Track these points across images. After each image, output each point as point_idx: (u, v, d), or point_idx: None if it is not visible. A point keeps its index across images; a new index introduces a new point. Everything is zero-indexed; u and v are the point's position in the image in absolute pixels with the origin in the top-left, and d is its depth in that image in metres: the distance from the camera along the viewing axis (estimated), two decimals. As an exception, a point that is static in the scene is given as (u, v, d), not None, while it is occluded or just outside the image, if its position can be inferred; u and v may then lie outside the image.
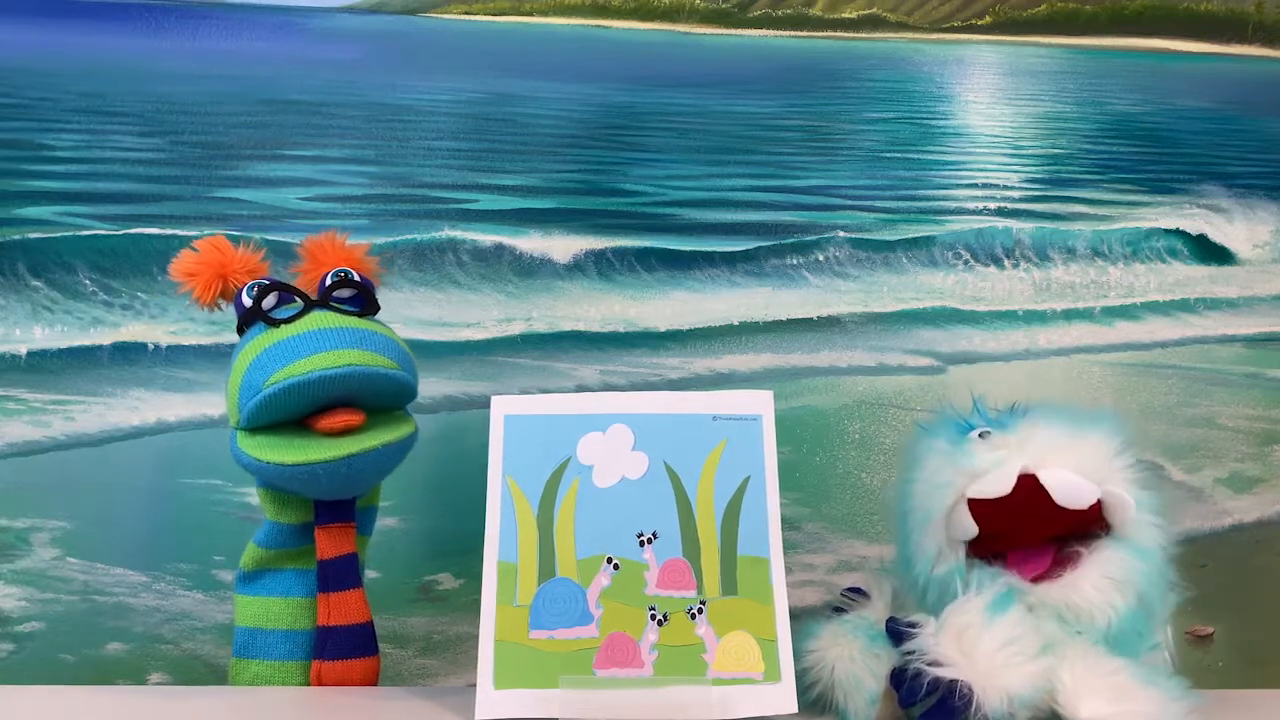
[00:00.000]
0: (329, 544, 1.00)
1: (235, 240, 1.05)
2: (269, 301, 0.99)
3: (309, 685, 1.01)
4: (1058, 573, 0.88)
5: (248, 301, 0.99)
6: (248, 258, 1.03)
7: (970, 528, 0.88)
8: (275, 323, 0.98)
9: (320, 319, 0.98)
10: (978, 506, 0.88)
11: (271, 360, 0.95)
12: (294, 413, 0.96)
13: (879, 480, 1.37)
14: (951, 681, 0.82)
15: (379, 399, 0.99)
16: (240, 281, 1.01)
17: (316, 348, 0.95)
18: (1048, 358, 1.40)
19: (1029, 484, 0.87)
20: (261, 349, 0.96)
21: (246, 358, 0.97)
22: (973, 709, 0.81)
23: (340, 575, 1.01)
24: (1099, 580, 0.87)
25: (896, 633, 0.88)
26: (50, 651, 1.25)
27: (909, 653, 0.85)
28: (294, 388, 0.94)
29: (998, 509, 0.87)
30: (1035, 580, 0.88)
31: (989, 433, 0.91)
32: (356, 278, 1.02)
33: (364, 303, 1.02)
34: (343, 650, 1.00)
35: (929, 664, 0.83)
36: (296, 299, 1.00)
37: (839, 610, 0.99)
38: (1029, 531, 0.90)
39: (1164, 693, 0.83)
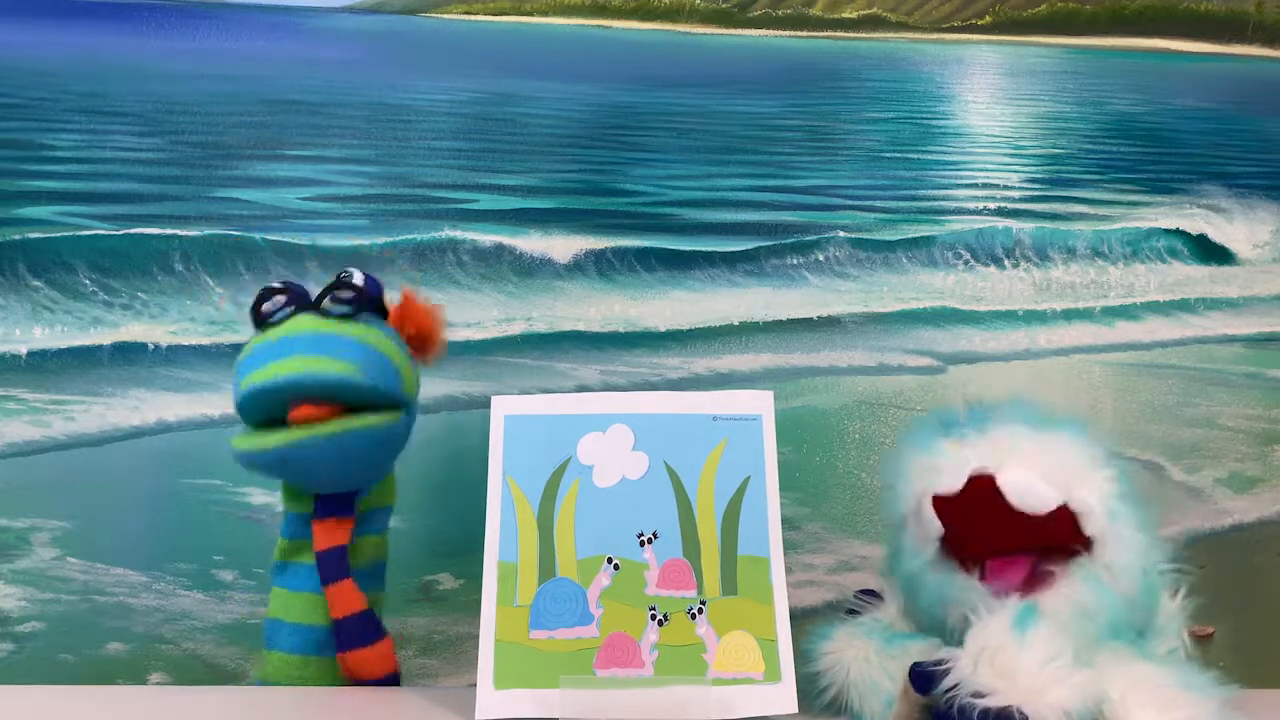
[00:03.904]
0: (323, 537, 1.01)
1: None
2: (276, 303, 1.01)
3: (322, 680, 1.02)
4: (1028, 591, 0.86)
5: (253, 302, 1.02)
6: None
7: (935, 526, 0.88)
8: (262, 325, 1.01)
9: (295, 324, 1.00)
10: (939, 504, 0.87)
11: (245, 366, 0.99)
12: (267, 413, 0.98)
13: (879, 480, 1.36)
14: (1002, 709, 0.79)
15: (340, 400, 0.98)
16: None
17: (274, 356, 0.98)
18: (1048, 358, 1.40)
19: (985, 483, 0.86)
20: (246, 353, 1.00)
21: (240, 359, 1.01)
22: None
23: (330, 567, 1.01)
24: (1060, 612, 0.85)
25: (926, 675, 0.84)
26: (50, 651, 1.25)
27: (948, 690, 0.82)
28: (254, 394, 0.98)
29: (954, 506, 0.86)
30: (1007, 594, 0.86)
31: (965, 433, 0.90)
32: (358, 280, 1.02)
33: (356, 305, 1.01)
34: (352, 640, 1.01)
35: (973, 695, 0.80)
36: (289, 304, 1.01)
37: (852, 612, 0.97)
38: (994, 535, 0.87)
39: (1203, 693, 0.82)
